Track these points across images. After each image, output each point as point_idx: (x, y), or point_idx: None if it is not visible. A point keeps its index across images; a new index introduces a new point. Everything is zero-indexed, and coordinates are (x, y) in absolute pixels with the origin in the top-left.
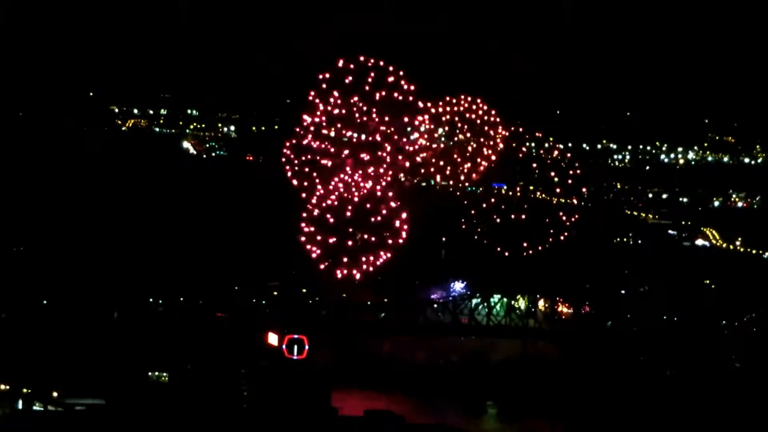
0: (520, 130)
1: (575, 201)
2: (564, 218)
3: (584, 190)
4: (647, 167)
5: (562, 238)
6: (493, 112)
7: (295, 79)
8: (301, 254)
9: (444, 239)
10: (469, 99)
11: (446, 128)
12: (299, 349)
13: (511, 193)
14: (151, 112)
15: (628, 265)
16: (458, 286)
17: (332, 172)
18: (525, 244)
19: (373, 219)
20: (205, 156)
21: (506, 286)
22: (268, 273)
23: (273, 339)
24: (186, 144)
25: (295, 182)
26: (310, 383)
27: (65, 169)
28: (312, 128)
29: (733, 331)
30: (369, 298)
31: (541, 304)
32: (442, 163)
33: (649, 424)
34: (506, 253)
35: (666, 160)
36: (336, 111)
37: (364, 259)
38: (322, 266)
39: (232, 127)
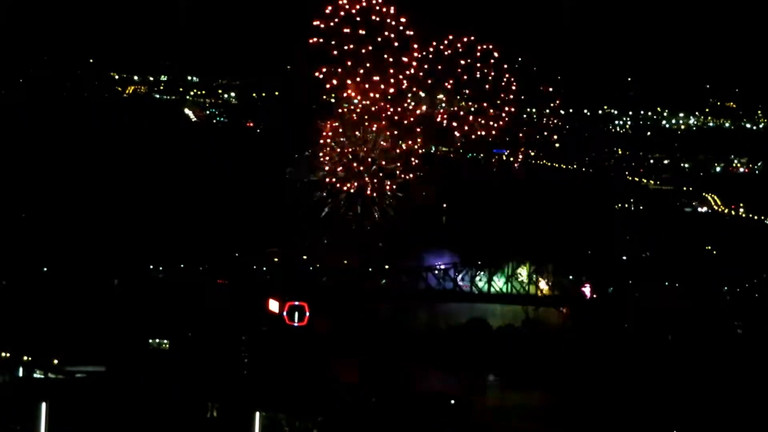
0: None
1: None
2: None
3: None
4: (648, 133)
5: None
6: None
7: (296, 44)
8: (301, 220)
9: (445, 205)
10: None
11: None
12: (300, 316)
13: (512, 159)
14: (152, 78)
15: (629, 231)
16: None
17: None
18: (527, 211)
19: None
20: (205, 122)
21: (506, 254)
22: (268, 239)
23: (274, 306)
24: (186, 110)
25: None
26: (310, 350)
27: (65, 136)
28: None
29: (735, 297)
30: (369, 264)
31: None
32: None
33: (651, 391)
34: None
35: (667, 126)
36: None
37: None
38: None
39: (233, 94)
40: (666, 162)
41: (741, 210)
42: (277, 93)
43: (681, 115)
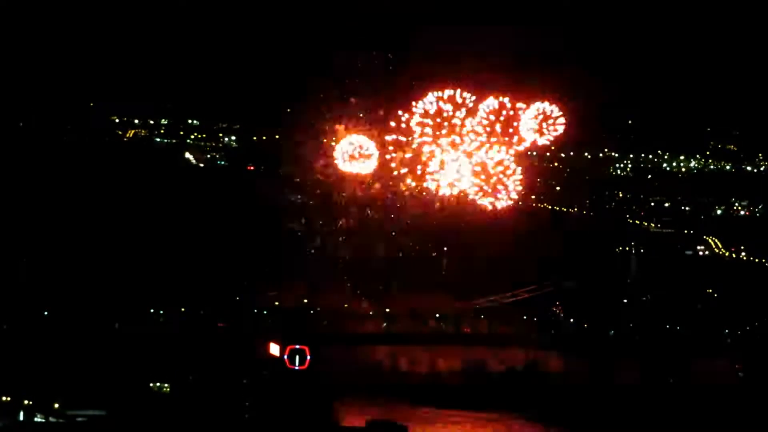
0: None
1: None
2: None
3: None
4: (649, 176)
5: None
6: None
7: (295, 87)
8: (302, 264)
9: (445, 248)
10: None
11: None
12: (301, 360)
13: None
14: (152, 122)
15: (630, 274)
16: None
17: None
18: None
19: None
20: (205, 166)
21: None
22: (269, 282)
23: (274, 349)
24: (187, 154)
25: None
26: (312, 394)
27: (66, 180)
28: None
29: (736, 340)
30: (370, 307)
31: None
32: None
33: None
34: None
35: (668, 169)
36: None
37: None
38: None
39: (233, 137)
40: (666, 205)
41: (742, 253)
42: (277, 137)
43: (681, 158)
